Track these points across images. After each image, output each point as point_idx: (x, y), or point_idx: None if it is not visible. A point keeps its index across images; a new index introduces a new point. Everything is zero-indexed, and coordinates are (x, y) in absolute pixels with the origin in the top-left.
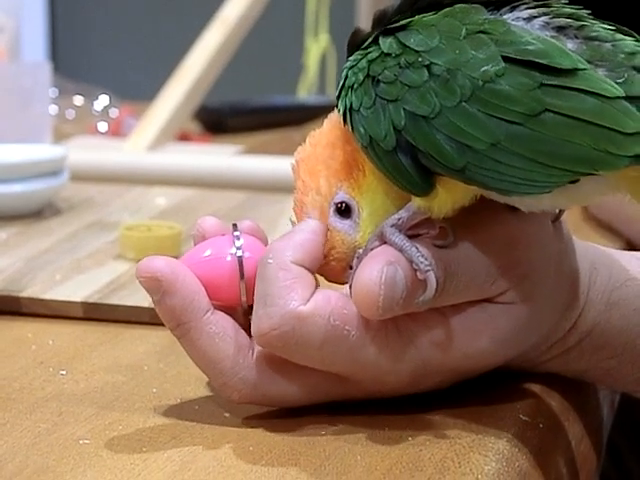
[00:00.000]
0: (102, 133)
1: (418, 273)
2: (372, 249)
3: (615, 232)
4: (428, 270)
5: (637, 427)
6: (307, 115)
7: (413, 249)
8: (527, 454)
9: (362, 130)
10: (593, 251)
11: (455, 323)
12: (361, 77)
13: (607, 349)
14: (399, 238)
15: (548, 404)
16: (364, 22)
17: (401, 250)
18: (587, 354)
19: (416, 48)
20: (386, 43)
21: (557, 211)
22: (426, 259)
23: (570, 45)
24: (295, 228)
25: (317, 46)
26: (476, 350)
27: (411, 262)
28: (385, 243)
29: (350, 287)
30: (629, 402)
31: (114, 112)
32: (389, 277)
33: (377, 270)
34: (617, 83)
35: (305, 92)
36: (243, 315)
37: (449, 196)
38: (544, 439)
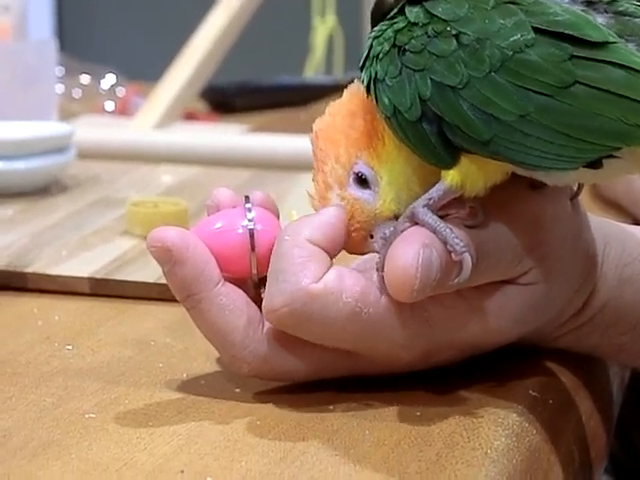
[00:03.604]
0: (109, 112)
1: (453, 254)
2: (402, 230)
3: (623, 211)
4: (464, 251)
5: None
6: (314, 95)
7: (447, 230)
8: (537, 429)
9: (386, 100)
10: (607, 226)
11: (471, 302)
12: (387, 47)
13: (620, 325)
14: (432, 219)
15: (558, 380)
16: (371, 3)
17: (435, 231)
18: (599, 330)
19: (444, 17)
20: (413, 12)
21: (575, 189)
22: (461, 240)
23: (600, 19)
24: (318, 212)
25: (324, 27)
26: (490, 329)
27: (445, 243)
28: (416, 224)
29: (380, 267)
30: (637, 378)
31: (121, 91)
32: (425, 260)
33: (413, 253)
34: None
35: (312, 73)
36: (253, 288)
37: (481, 173)
38: (554, 415)
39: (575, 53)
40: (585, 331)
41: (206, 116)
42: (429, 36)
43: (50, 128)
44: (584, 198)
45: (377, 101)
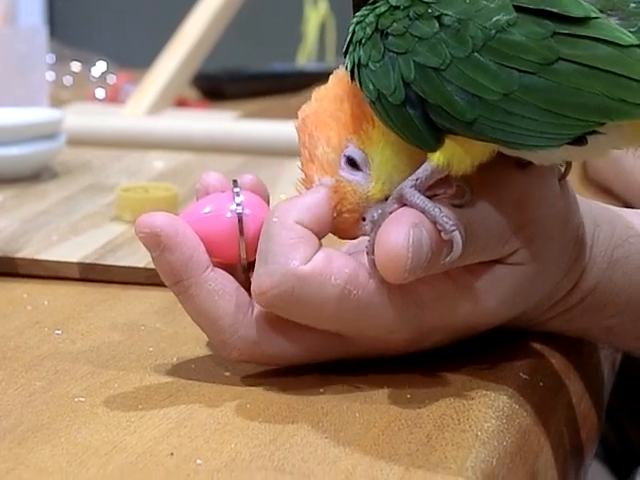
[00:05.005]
0: (99, 100)
1: (443, 234)
2: (391, 212)
3: (613, 196)
4: (454, 230)
5: (635, 391)
6: (305, 81)
7: (436, 209)
8: (527, 411)
9: (370, 85)
10: (596, 208)
11: (460, 282)
12: (369, 31)
13: (609, 307)
14: (420, 199)
15: (548, 363)
16: None
17: (423, 211)
18: (589, 312)
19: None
20: None
21: (563, 170)
22: (450, 219)
23: None
24: (306, 192)
25: (316, 14)
26: (480, 310)
27: (435, 223)
28: (404, 205)
29: (370, 251)
30: (628, 365)
31: (112, 78)
32: (416, 240)
33: (403, 233)
34: (629, 32)
35: (304, 60)
36: (242, 273)
37: (467, 152)
38: (544, 397)
39: (557, 30)
40: (575, 314)
41: (197, 103)
42: (411, 19)
43: (40, 114)
44: (574, 183)
45: (361, 86)
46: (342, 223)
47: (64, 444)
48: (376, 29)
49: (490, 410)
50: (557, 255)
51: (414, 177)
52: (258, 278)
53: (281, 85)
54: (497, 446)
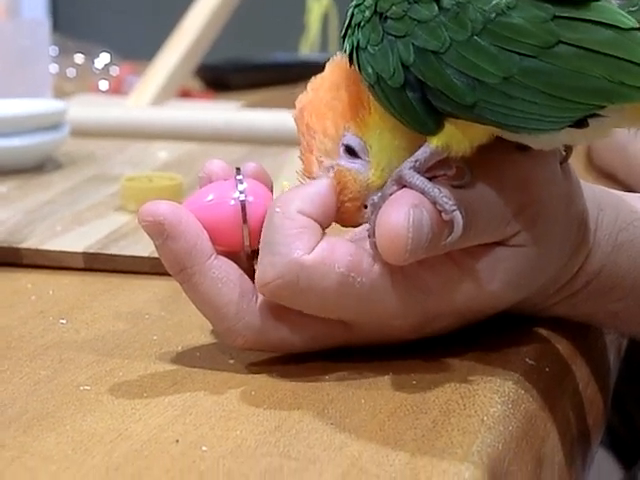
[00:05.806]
0: (103, 91)
1: (443, 214)
2: (391, 194)
3: (616, 181)
4: (454, 210)
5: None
6: (308, 72)
7: (436, 190)
8: (533, 397)
9: (369, 68)
10: (600, 192)
11: (463, 266)
12: (368, 14)
13: (614, 291)
14: (420, 180)
15: (554, 348)
16: None
17: (423, 192)
18: (594, 297)
19: None
20: None
21: (564, 153)
22: (450, 199)
23: None
24: (307, 183)
25: (319, 4)
26: (484, 293)
27: (434, 203)
28: (403, 187)
29: (371, 233)
30: (634, 351)
31: (115, 70)
32: (416, 220)
33: (404, 213)
34: (631, 12)
35: (307, 50)
36: (246, 260)
37: (465, 134)
38: (550, 383)
39: (557, 13)
40: (580, 298)
41: (201, 94)
42: (410, 2)
43: (43, 105)
44: (578, 168)
45: (360, 69)
46: (345, 212)
47: (69, 432)
48: (375, 12)
49: (496, 395)
50: (560, 237)
51: (413, 159)
52: (262, 269)
53: (284, 75)
54: (503, 431)
